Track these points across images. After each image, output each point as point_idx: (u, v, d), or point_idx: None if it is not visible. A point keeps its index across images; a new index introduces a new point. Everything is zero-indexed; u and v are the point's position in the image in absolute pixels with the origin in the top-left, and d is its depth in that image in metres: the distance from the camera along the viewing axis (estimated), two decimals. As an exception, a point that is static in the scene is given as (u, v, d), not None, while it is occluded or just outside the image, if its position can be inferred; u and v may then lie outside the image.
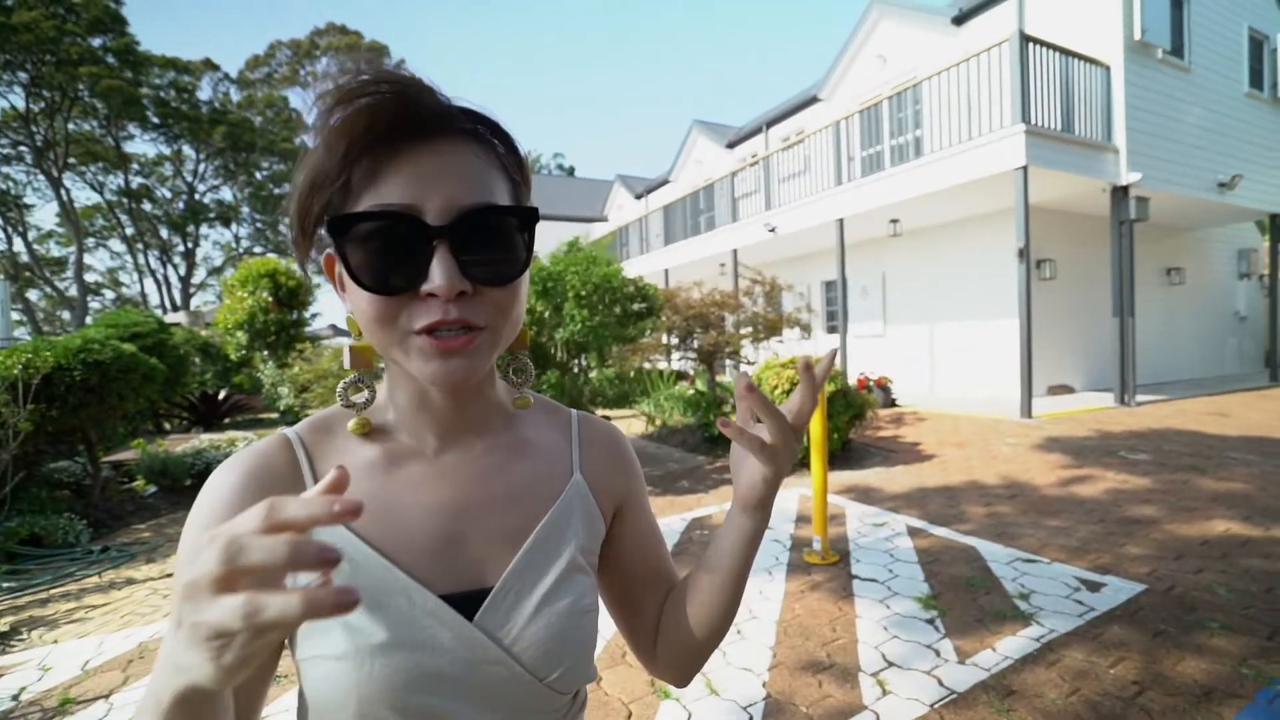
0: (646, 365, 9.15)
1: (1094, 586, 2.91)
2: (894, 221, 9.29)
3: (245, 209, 30.71)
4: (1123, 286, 7.64)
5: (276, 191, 30.21)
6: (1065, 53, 7.34)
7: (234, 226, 31.08)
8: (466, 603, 0.49)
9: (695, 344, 7.63)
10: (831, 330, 11.24)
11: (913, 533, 3.82)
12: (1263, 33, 10.02)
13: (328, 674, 0.45)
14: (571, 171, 44.77)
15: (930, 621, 2.65)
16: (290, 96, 30.47)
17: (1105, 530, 3.66)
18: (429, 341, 0.45)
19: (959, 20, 9.73)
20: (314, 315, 9.79)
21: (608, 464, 0.62)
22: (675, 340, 7.87)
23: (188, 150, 27.56)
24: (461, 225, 0.44)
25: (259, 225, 31.34)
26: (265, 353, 9.13)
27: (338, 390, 0.53)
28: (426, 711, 0.46)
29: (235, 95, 29.70)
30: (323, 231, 0.47)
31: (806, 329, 7.67)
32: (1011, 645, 2.41)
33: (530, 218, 0.48)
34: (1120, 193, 7.72)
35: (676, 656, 0.61)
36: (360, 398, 0.53)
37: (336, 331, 17.55)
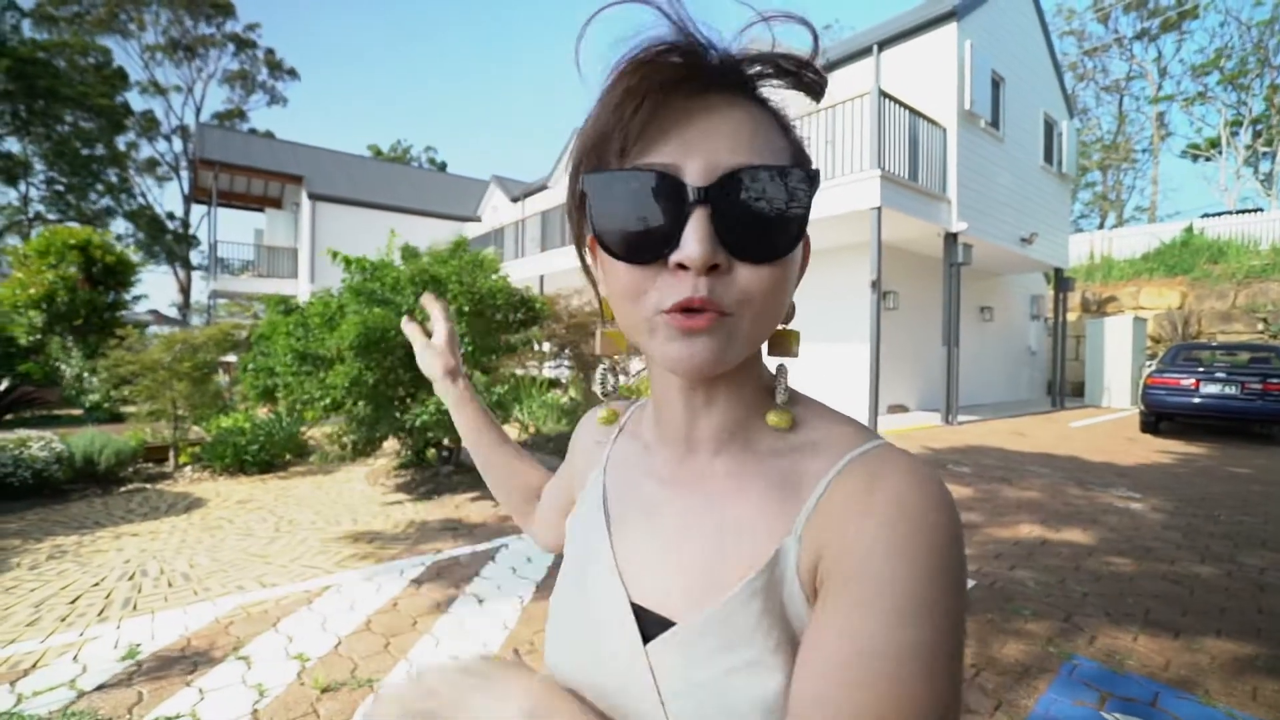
0: (520, 372, 8.99)
1: (935, 583, 3.30)
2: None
3: (40, 166, 25.83)
4: (951, 320, 8.80)
5: (86, 153, 25.76)
6: (913, 112, 8.37)
7: (22, 185, 25.99)
8: (650, 625, 0.44)
9: (573, 353, 7.63)
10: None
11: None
12: (1054, 118, 12.13)
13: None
14: (443, 167, 42.88)
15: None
16: (111, 46, 26.26)
17: (940, 533, 4.16)
18: (672, 320, 0.39)
19: (825, 69, 10.70)
20: (137, 298, 8.47)
21: (829, 537, 0.40)
22: (553, 348, 7.81)
23: (-41, 89, 22.68)
24: (725, 188, 0.38)
25: (59, 188, 26.48)
26: (69, 338, 7.71)
27: (597, 379, 0.55)
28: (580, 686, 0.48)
29: (31, 32, 24.98)
30: (582, 204, 0.44)
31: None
32: (874, 639, 2.66)
33: (812, 181, 0.41)
34: (951, 238, 8.92)
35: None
36: (611, 385, 0.55)
37: (160, 318, 15.26)
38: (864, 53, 10.15)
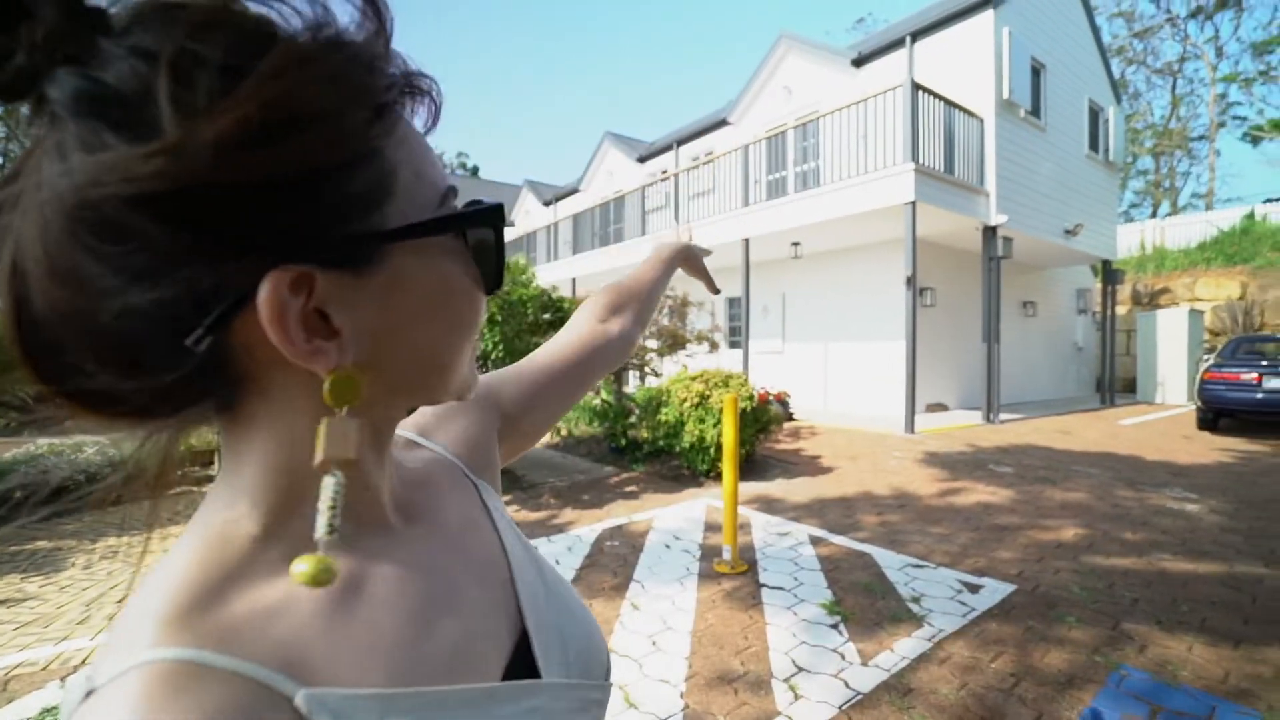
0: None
1: (974, 588, 3.19)
2: (795, 244, 9.82)
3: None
4: (991, 316, 8.51)
5: None
6: (948, 103, 8.13)
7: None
8: (518, 665, 0.40)
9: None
10: (734, 345, 11.64)
11: (814, 541, 4.01)
12: (1099, 105, 11.64)
13: None
14: (476, 172, 43.59)
15: (834, 626, 2.78)
16: None
17: (980, 536, 4.03)
18: None
19: (858, 63, 10.51)
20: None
21: (474, 440, 0.52)
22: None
23: None
24: None
25: None
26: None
27: (324, 506, 0.30)
28: None
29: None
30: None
31: (714, 345, 7.91)
32: (907, 646, 2.58)
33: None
34: (990, 232, 8.63)
35: (639, 331, 0.74)
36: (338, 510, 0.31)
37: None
38: (896, 44, 9.91)
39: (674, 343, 7.62)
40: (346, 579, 0.34)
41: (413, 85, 0.33)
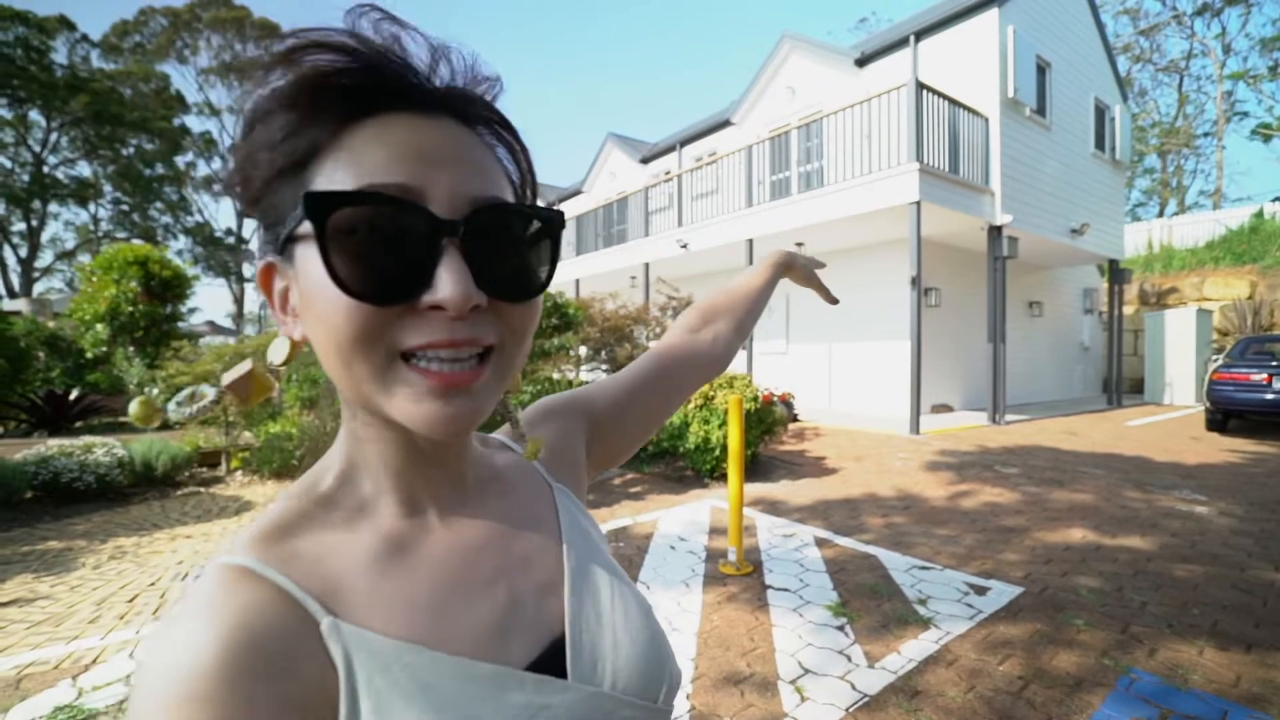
0: (556, 376, 9.07)
1: (980, 590, 3.17)
2: (800, 245, 9.77)
3: (108, 188, 27.44)
4: (996, 316, 8.48)
5: (148, 173, 27.26)
6: (953, 102, 8.10)
7: (92, 206, 27.66)
8: (547, 663, 0.41)
9: (608, 355, 7.65)
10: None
11: (819, 543, 4.00)
12: (1105, 103, 11.58)
13: None
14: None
15: (840, 628, 2.77)
16: (169, 73, 27.76)
17: (987, 538, 4.01)
18: (421, 376, 0.35)
19: (861, 62, 10.49)
20: (191, 310, 8.89)
21: (559, 446, 0.56)
22: (588, 352, 7.84)
23: (35, 116, 24.25)
24: (477, 222, 0.35)
25: (124, 208, 28.10)
26: (131, 349, 8.15)
27: (184, 398, 0.41)
28: None
29: (98, 62, 26.57)
30: (274, 226, 0.37)
31: (718, 344, 7.91)
32: (914, 648, 2.57)
33: (558, 222, 0.40)
34: (995, 231, 8.59)
35: (738, 341, 0.75)
36: (190, 410, 0.42)
37: (215, 329, 16.00)
38: (900, 44, 9.88)
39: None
40: (397, 543, 0.40)
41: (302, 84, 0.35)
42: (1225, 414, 8.21)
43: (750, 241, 9.47)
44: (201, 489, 5.95)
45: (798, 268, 0.87)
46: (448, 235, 0.34)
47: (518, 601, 0.43)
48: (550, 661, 0.41)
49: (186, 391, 0.41)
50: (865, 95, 8.29)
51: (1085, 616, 2.84)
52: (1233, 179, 43.18)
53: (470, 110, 0.39)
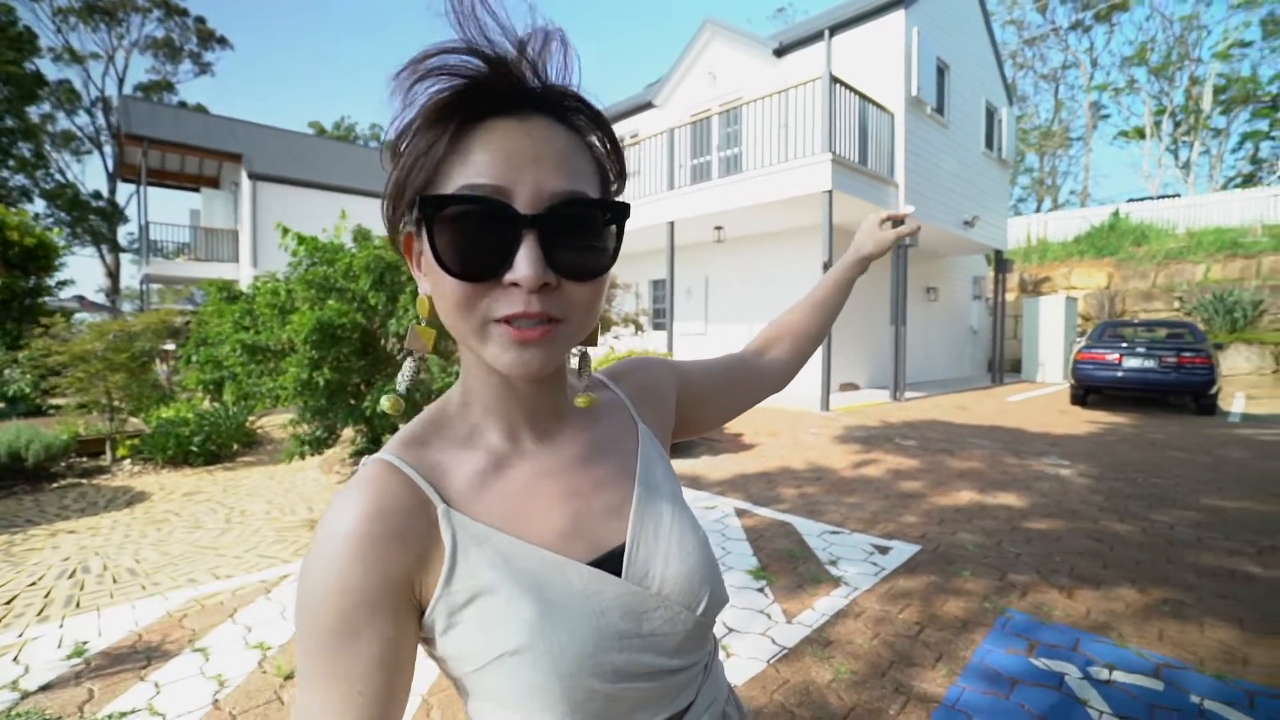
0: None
1: (884, 550, 3.49)
2: (719, 229, 10.07)
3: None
4: (899, 300, 9.11)
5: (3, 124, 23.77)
6: (863, 97, 8.55)
7: (-78, 161, 23.84)
8: (607, 566, 0.52)
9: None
10: (658, 327, 11.85)
11: (739, 513, 4.22)
12: (995, 105, 12.59)
13: (516, 669, 0.45)
14: (393, 145, 41.13)
15: (760, 590, 2.97)
16: (15, 5, 24.16)
17: (889, 504, 4.38)
18: (507, 330, 0.44)
19: (779, 52, 10.82)
20: (61, 284, 7.94)
21: (652, 396, 0.67)
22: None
23: None
24: (551, 215, 0.43)
25: (-34, 163, 24.39)
26: (-16, 327, 7.21)
27: (404, 374, 0.53)
28: (618, 668, 0.48)
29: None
30: (409, 209, 0.47)
31: (639, 327, 8.04)
32: (826, 604, 2.81)
33: (622, 213, 0.47)
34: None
35: (795, 363, 0.83)
36: (415, 379, 0.54)
37: (86, 304, 14.35)
38: (815, 37, 10.28)
39: (600, 325, 7.67)
40: (497, 459, 0.53)
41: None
42: (1086, 389, 9.29)
43: (671, 224, 9.63)
44: (83, 480, 5.43)
45: (874, 253, 0.89)
46: (527, 227, 0.43)
47: (585, 516, 0.54)
48: (608, 566, 0.52)
49: (404, 372, 0.53)
50: (783, 85, 8.59)
51: (970, 568, 3.20)
52: (1096, 180, 48.10)
53: (563, 104, 0.47)
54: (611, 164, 0.51)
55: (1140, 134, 27.36)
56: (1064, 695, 2.09)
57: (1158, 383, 8.57)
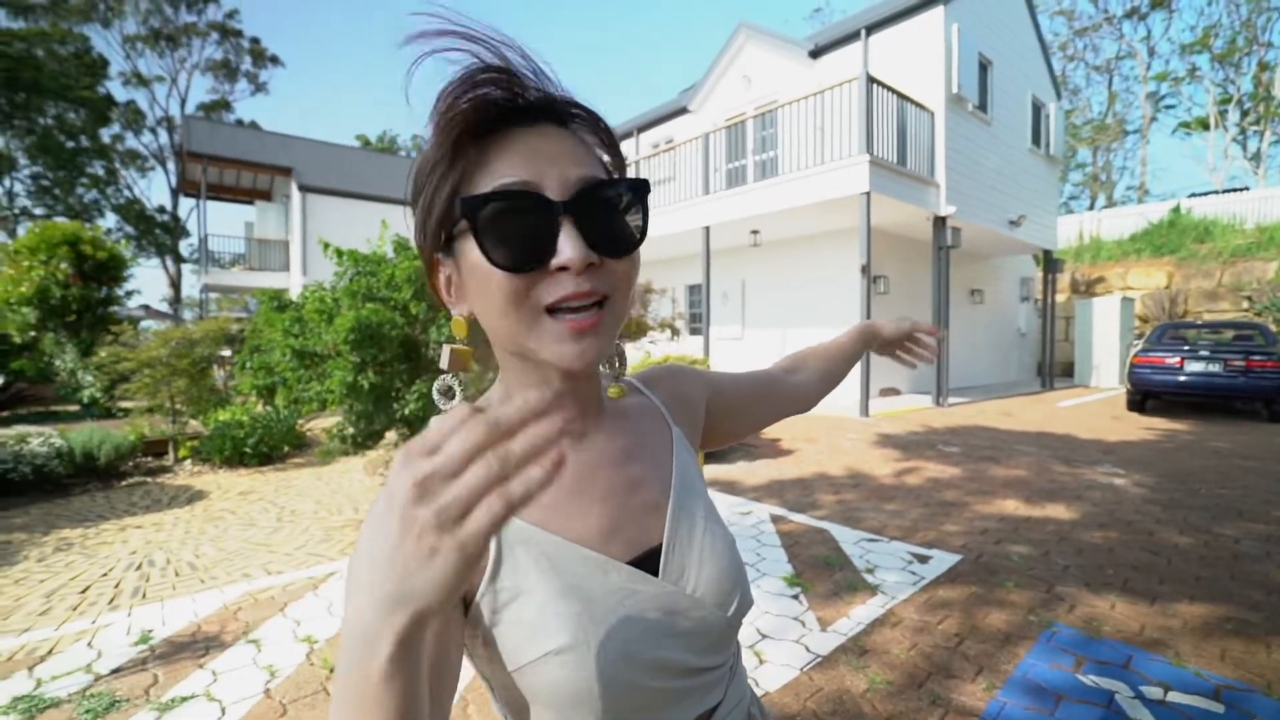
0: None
1: (923, 559, 3.41)
2: (755, 232, 10.01)
3: (23, 160, 25.46)
4: (941, 303, 8.89)
5: (71, 145, 25.41)
6: (901, 96, 8.39)
7: (6, 180, 25.65)
8: (643, 565, 0.54)
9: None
10: (695, 332, 11.83)
11: (775, 519, 4.19)
12: (1041, 100, 12.17)
13: (561, 668, 0.47)
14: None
15: (795, 596, 2.95)
16: (90, 35, 25.82)
17: (930, 512, 4.28)
18: (561, 322, 0.47)
19: (815, 54, 10.71)
20: (129, 293, 8.43)
21: (683, 403, 0.69)
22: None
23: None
24: (582, 199, 0.46)
25: (45, 182, 26.14)
26: (62, 334, 7.71)
27: (435, 391, 0.54)
28: (653, 666, 0.50)
29: (4, 21, 24.48)
30: (439, 231, 0.49)
31: (675, 331, 8.05)
32: (863, 612, 2.77)
33: (644, 189, 0.50)
34: (940, 222, 8.98)
35: (824, 386, 0.86)
36: (454, 401, 0.54)
37: (151, 313, 15.18)
38: (852, 37, 10.14)
39: (637, 329, 7.72)
40: None
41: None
42: (1144, 395, 8.87)
43: (707, 229, 9.62)
44: (148, 479, 5.75)
45: (885, 337, 0.93)
46: (561, 213, 0.45)
47: (623, 515, 0.55)
48: (645, 565, 0.54)
49: (439, 386, 0.54)
50: (819, 87, 8.50)
51: (1015, 579, 3.10)
52: (1155, 175, 45.86)
53: (564, 111, 0.51)
54: (612, 156, 0.54)
55: (1204, 125, 25.99)
56: (1113, 714, 2.02)
57: (1224, 387, 8.12)
